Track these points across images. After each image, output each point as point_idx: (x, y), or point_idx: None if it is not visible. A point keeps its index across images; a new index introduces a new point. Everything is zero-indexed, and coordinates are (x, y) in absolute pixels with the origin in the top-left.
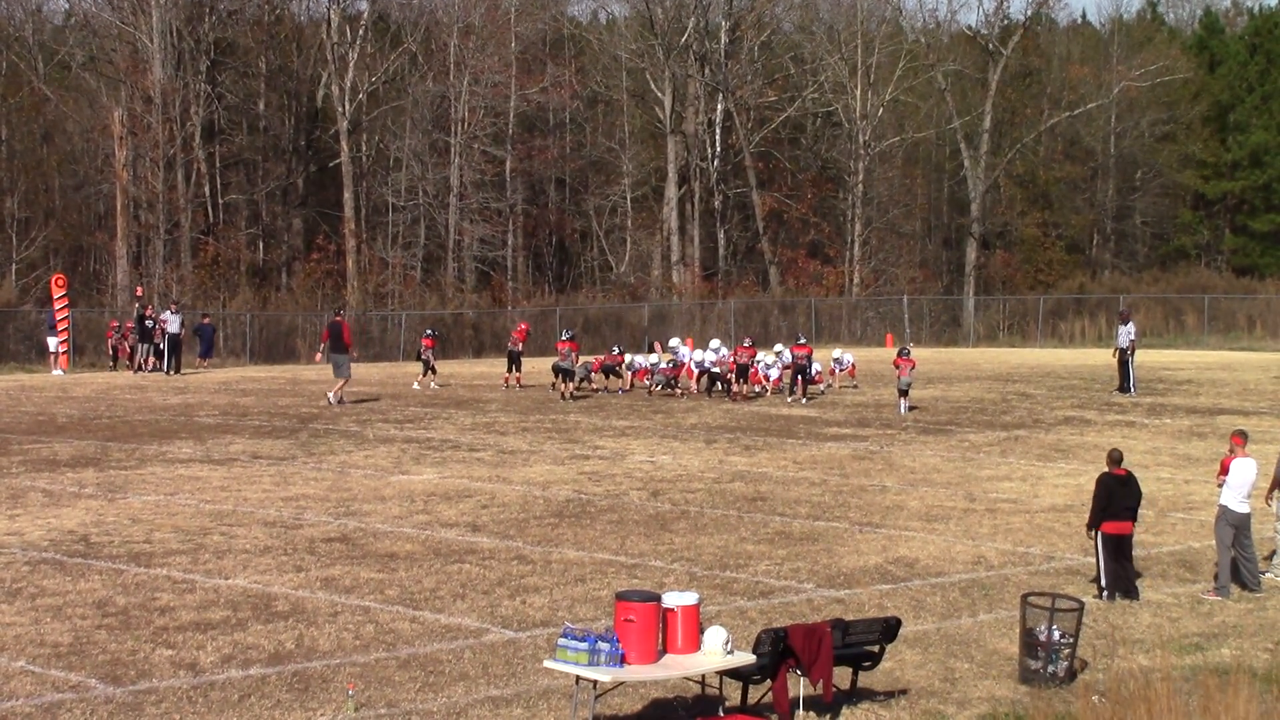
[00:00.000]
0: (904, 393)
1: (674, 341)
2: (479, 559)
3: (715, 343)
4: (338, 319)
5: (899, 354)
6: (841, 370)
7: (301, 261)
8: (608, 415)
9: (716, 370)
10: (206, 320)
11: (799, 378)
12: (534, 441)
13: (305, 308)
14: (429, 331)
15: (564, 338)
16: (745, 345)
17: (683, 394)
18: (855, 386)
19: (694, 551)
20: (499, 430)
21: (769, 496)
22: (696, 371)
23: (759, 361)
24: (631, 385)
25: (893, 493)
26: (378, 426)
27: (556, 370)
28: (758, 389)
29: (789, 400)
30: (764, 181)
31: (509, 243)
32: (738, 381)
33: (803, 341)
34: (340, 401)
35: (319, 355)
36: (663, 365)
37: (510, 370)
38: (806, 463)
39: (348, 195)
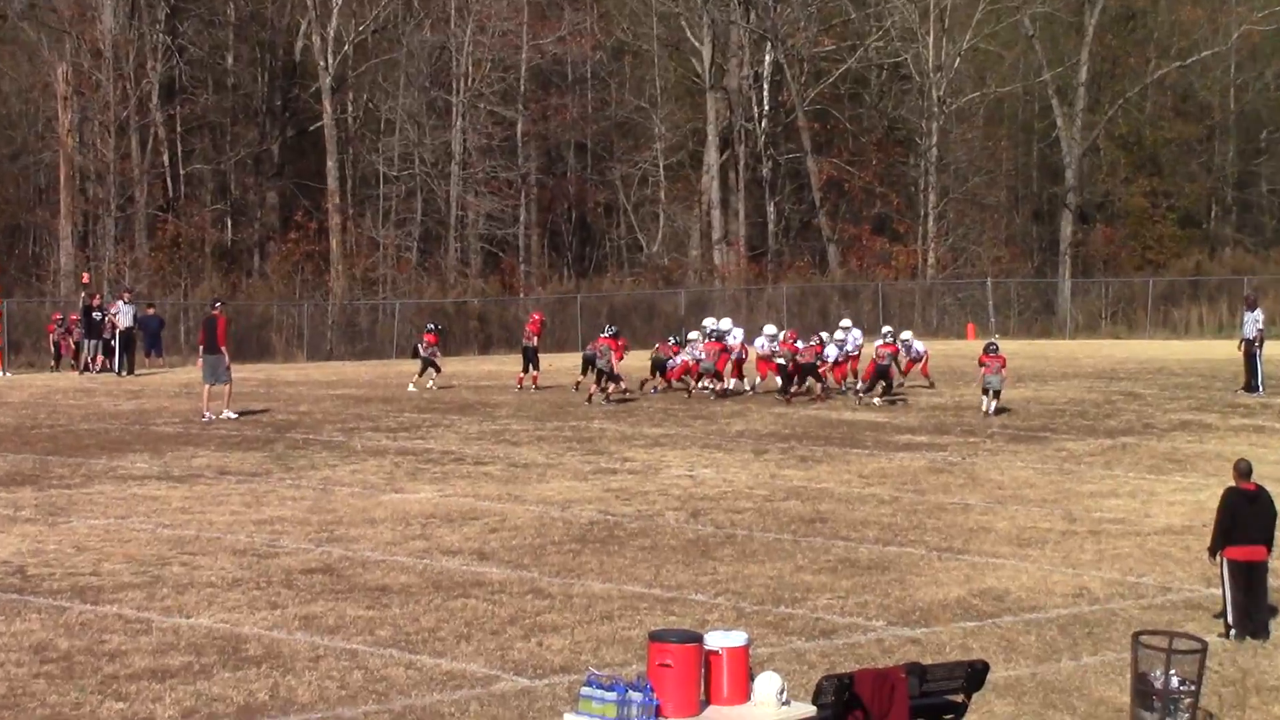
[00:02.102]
0: (994, 393)
1: (693, 335)
2: (487, 592)
3: (770, 328)
4: (214, 313)
5: (985, 350)
6: (913, 359)
7: (277, 242)
8: (638, 421)
9: (781, 361)
10: (152, 311)
11: (880, 381)
12: (552, 453)
13: (282, 295)
14: (431, 326)
15: (606, 334)
16: (811, 343)
17: (750, 389)
18: (931, 386)
19: (741, 583)
20: (510, 440)
21: (830, 517)
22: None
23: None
24: (669, 384)
25: (977, 512)
26: (366, 436)
27: (588, 362)
28: (841, 386)
29: (858, 399)
30: (821, 145)
31: (521, 219)
32: (798, 382)
33: (889, 338)
34: (217, 418)
35: (199, 361)
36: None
37: (526, 369)
38: (875, 477)
39: (331, 164)
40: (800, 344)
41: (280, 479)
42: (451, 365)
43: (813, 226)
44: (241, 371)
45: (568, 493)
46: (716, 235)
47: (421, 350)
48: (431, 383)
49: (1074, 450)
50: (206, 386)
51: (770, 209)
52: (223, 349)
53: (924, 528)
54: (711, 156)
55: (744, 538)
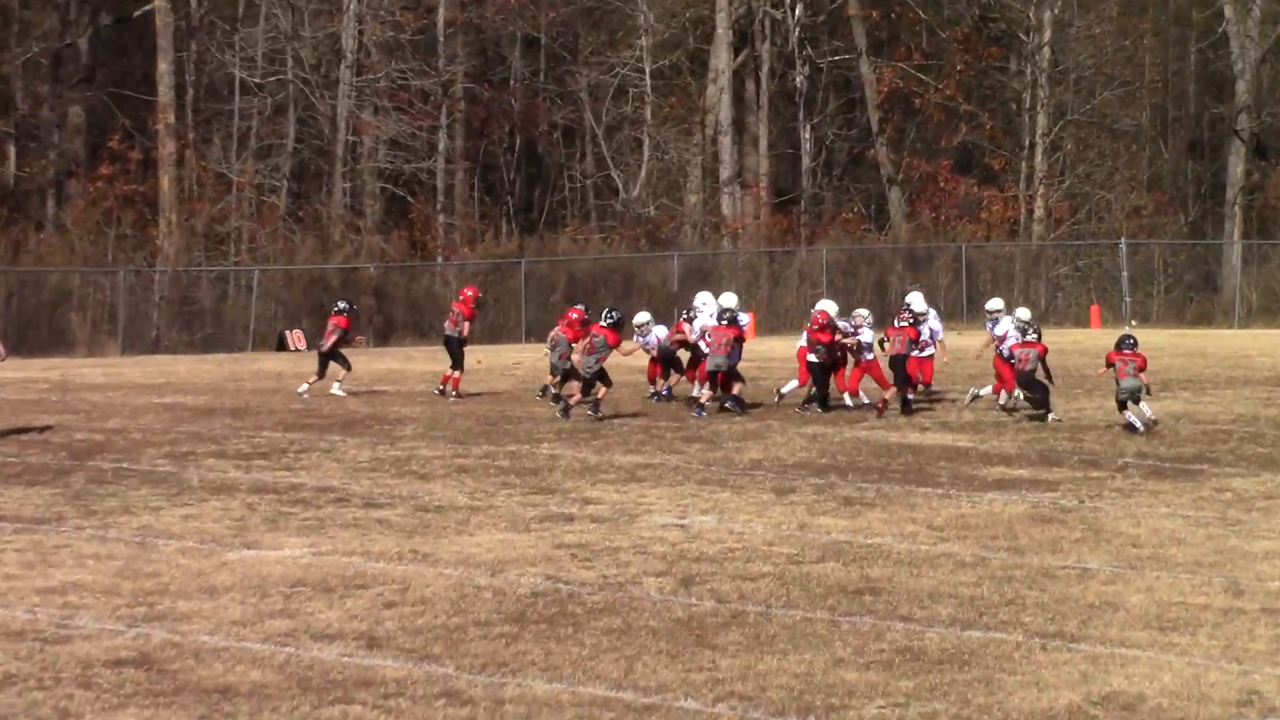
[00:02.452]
0: (1131, 402)
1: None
2: (378, 696)
3: (729, 298)
4: None
5: (1118, 345)
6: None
7: (81, 180)
8: (606, 445)
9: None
10: None
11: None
12: (478, 491)
13: (87, 259)
14: (342, 306)
15: (605, 322)
16: (902, 324)
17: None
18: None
19: (754, 683)
20: (418, 472)
21: (886, 587)
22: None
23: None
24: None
25: (1100, 580)
26: (207, 465)
27: (555, 370)
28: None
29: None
30: (880, 44)
31: (440, 148)
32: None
33: (908, 319)
34: None
35: None
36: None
37: (455, 366)
38: (951, 528)
39: (164, 66)
40: (846, 325)
41: (78, 528)
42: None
43: (867, 161)
44: (23, 369)
45: (501, 550)
46: (726, 174)
47: (323, 343)
48: (339, 385)
49: (1243, 491)
50: None
51: (806, 136)
52: None
53: (1022, 603)
54: (721, 59)
55: (758, 617)
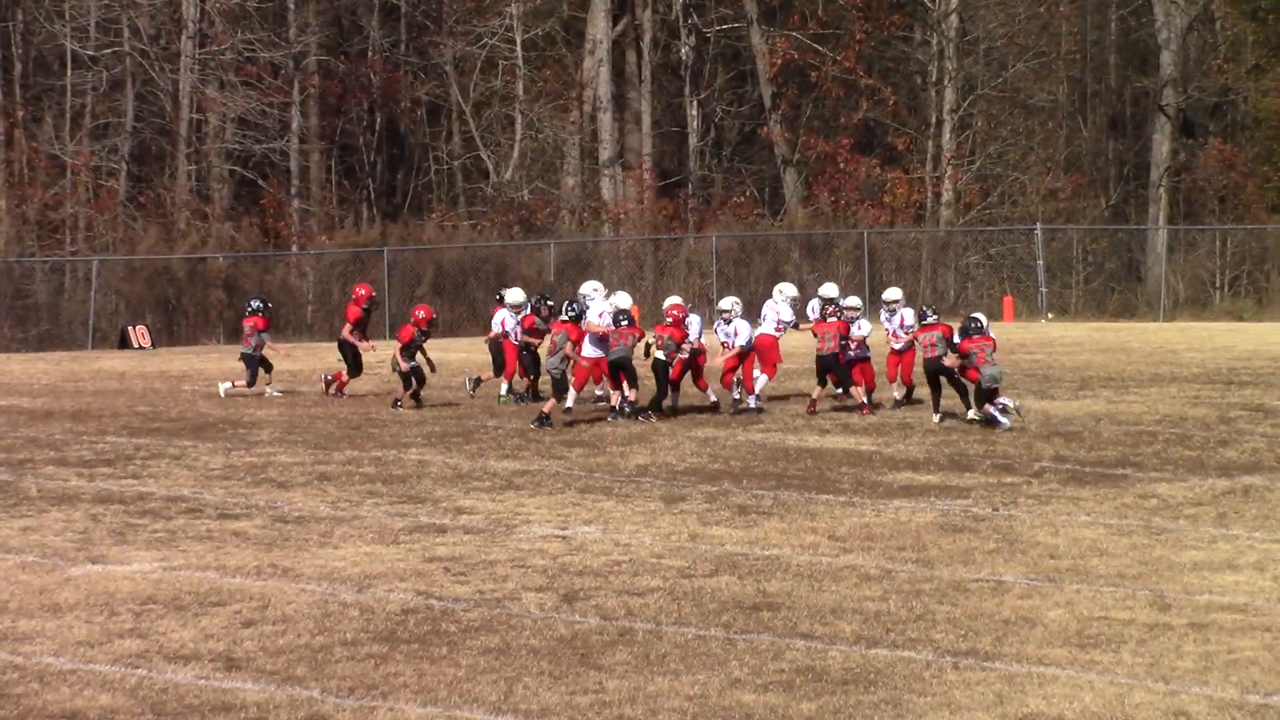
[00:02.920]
0: (992, 387)
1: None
2: None
3: (623, 298)
4: None
5: (965, 331)
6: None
7: None
8: (481, 450)
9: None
10: None
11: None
12: (342, 501)
13: None
14: (255, 305)
15: (566, 316)
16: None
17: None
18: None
19: (643, 706)
20: (276, 479)
21: (784, 602)
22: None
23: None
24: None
25: (1016, 594)
26: (46, 474)
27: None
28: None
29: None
30: (772, 11)
31: (294, 127)
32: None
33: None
34: None
35: None
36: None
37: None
38: (855, 538)
39: None
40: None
41: None
42: (179, 359)
43: (759, 140)
44: None
45: (367, 564)
46: (606, 154)
47: (246, 342)
48: (269, 387)
49: (1168, 497)
50: None
51: (693, 113)
52: None
53: (932, 619)
54: (599, 27)
55: (648, 635)
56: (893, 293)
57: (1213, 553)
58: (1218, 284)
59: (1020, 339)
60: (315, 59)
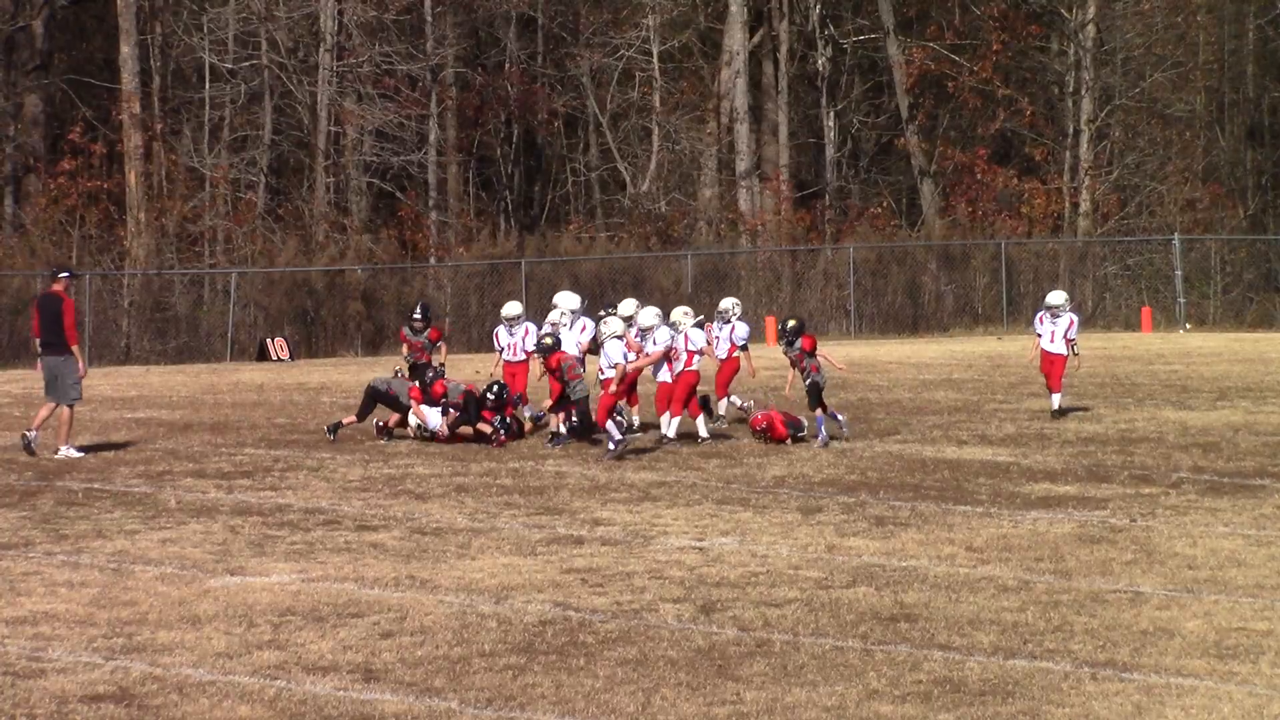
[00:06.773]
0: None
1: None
2: None
3: (683, 311)
4: (56, 288)
5: (790, 335)
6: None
7: (41, 176)
8: (618, 463)
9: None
10: None
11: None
12: (480, 512)
13: (48, 261)
14: (420, 313)
15: (534, 349)
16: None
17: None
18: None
19: (782, 717)
20: (414, 491)
21: (921, 613)
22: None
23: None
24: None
25: (1154, 604)
26: (185, 485)
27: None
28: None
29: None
30: (909, 22)
31: (431, 139)
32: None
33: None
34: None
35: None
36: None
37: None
38: (991, 549)
39: (127, 50)
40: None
41: (48, 553)
42: (318, 371)
43: (896, 151)
44: None
45: (505, 575)
46: (743, 165)
47: (401, 367)
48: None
49: None
50: (49, 406)
51: (829, 124)
52: (74, 346)
53: (1070, 630)
54: (735, 39)
55: (785, 646)
56: (728, 302)
57: None
58: None
59: (1158, 350)
60: (453, 71)
